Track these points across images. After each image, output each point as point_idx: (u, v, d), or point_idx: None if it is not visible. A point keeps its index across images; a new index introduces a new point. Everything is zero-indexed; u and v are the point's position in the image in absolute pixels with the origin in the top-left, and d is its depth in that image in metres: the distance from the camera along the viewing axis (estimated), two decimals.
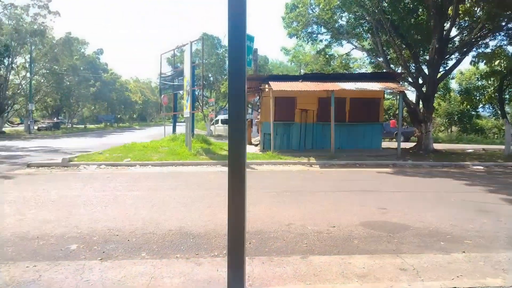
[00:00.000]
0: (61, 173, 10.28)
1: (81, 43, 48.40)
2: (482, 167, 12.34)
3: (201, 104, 34.15)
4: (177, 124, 25.12)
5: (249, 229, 4.88)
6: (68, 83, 45.04)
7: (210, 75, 42.54)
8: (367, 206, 6.36)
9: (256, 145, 18.25)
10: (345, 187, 8.36)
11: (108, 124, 59.49)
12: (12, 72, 35.50)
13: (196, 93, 32.09)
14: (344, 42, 22.63)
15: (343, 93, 14.93)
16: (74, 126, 53.10)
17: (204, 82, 32.30)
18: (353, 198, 7.14)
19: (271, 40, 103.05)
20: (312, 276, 3.51)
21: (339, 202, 6.69)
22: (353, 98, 15.73)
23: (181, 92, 18.25)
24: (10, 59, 33.52)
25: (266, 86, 14.81)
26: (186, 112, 15.48)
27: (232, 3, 1.95)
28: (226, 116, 32.78)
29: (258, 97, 20.09)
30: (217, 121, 33.59)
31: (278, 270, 3.63)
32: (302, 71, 38.21)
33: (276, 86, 14.29)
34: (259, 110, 19.03)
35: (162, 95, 21.09)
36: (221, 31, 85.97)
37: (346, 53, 26.55)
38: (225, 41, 40.72)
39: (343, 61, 26.69)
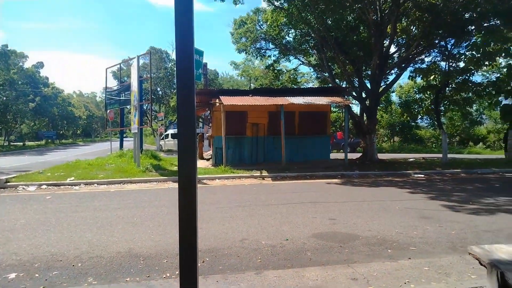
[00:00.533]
0: None
1: (19, 56, 45.67)
2: (422, 175, 13.13)
3: (149, 119, 33.35)
4: (124, 139, 24.26)
5: (202, 247, 4.77)
6: (4, 98, 42.07)
7: (159, 89, 41.81)
8: (318, 217, 6.49)
9: (208, 159, 18.08)
10: (297, 199, 8.48)
11: (49, 140, 56.07)
12: None
13: (144, 107, 31.34)
14: (291, 57, 23.36)
15: (292, 107, 15.30)
16: (12, 143, 49.44)
17: (152, 96, 31.61)
18: (305, 209, 7.25)
19: (221, 55, 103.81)
20: None
21: (291, 215, 6.76)
22: (301, 111, 16.15)
23: (128, 106, 17.70)
24: None
25: (217, 100, 14.80)
26: (134, 127, 15.01)
27: (179, 18, 1.92)
28: (176, 130, 32.24)
29: (208, 111, 20.00)
30: (167, 136, 32.90)
31: None
32: (252, 85, 38.73)
33: (227, 100, 14.32)
34: (210, 124, 18.93)
35: (108, 110, 20.31)
36: (169, 45, 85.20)
37: (293, 68, 27.35)
38: (173, 55, 40.35)
39: (291, 76, 27.46)
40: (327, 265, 4.21)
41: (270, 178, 12.29)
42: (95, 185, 10.99)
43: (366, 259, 4.43)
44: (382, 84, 18.69)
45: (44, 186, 10.60)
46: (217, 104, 14.83)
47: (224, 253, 4.59)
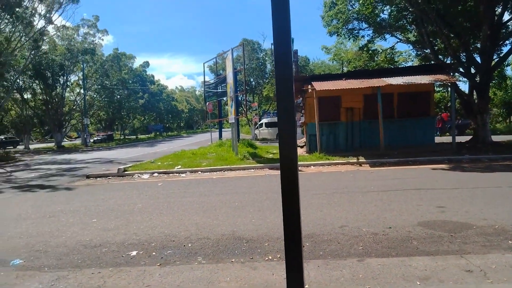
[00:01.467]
0: (117, 182, 10.80)
1: (128, 58, 50.87)
2: None
3: (244, 109, 34.50)
4: (222, 130, 25.57)
5: (302, 232, 4.83)
6: (118, 96, 47.46)
7: (251, 79, 42.91)
8: (423, 205, 6.08)
9: (302, 146, 18.11)
10: (399, 185, 8.04)
11: (157, 133, 61.90)
12: (67, 89, 38.01)
13: (239, 98, 32.52)
14: (387, 36, 21.92)
15: (390, 88, 14.44)
16: (126, 137, 55.72)
17: (246, 87, 32.62)
18: (408, 197, 6.85)
19: (311, 40, 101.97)
20: (371, 279, 3.41)
21: (393, 202, 6.45)
22: (400, 92, 15.16)
23: (224, 98, 18.56)
24: (65, 78, 35.89)
25: (309, 86, 14.67)
26: (231, 117, 15.71)
27: (276, 8, 1.95)
28: (270, 119, 32.88)
29: (301, 99, 19.94)
30: (261, 125, 33.75)
31: (334, 274, 3.56)
32: (345, 69, 37.47)
33: (319, 86, 14.10)
34: (303, 112, 18.88)
35: (207, 103, 21.56)
36: (260, 35, 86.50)
37: (390, 47, 25.64)
38: (264, 45, 40.93)
39: (388, 56, 25.81)
40: (436, 255, 3.94)
41: (367, 164, 11.84)
42: (199, 172, 11.82)
43: (482, 250, 4.04)
44: (494, 58, 16.55)
45: (155, 174, 11.76)
46: (309, 90, 14.70)
47: (324, 239, 4.59)
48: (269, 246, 4.44)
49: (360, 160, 12.37)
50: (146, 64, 58.71)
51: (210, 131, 25.33)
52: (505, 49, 17.23)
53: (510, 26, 16.98)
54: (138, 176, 11.66)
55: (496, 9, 15.23)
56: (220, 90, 18.14)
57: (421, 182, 8.53)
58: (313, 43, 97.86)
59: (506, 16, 16.57)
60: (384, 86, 13.64)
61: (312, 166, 12.04)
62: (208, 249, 4.44)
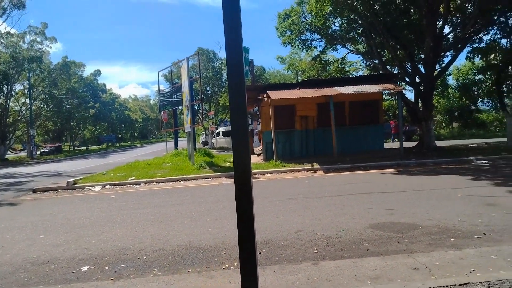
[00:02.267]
0: (67, 196, 10.30)
1: (78, 66, 48.97)
2: (486, 161, 12.32)
3: (201, 118, 34.31)
4: (178, 139, 25.20)
5: (258, 239, 4.87)
6: (67, 106, 45.41)
7: (208, 88, 42.77)
8: (374, 208, 6.35)
9: (259, 154, 18.27)
10: (351, 190, 8.35)
11: (110, 144, 59.72)
12: (12, 99, 35.77)
13: (196, 107, 32.29)
14: (338, 47, 22.80)
15: (342, 97, 14.99)
16: (76, 148, 53.28)
17: (202, 95, 32.45)
18: (360, 200, 7.12)
19: (267, 50, 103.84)
20: (325, 281, 3.51)
21: (346, 206, 6.68)
22: (352, 101, 15.79)
23: (180, 107, 18.37)
24: (9, 87, 33.78)
25: (265, 95, 14.89)
26: (187, 126, 15.55)
27: (227, 17, 1.99)
28: (227, 128, 32.88)
29: (257, 107, 20.17)
30: (218, 134, 33.66)
31: (290, 278, 3.63)
32: (299, 78, 38.39)
33: (275, 95, 14.36)
34: (259, 120, 19.08)
35: (162, 112, 21.20)
36: (215, 45, 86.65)
37: (341, 58, 26.69)
38: (220, 54, 41.06)
39: (339, 66, 26.81)
40: (386, 255, 4.13)
41: (322, 171, 12.18)
42: (154, 183, 11.56)
43: (427, 248, 4.29)
44: (437, 68, 17.73)
45: (108, 186, 11.34)
46: (265, 99, 14.92)
47: (280, 245, 4.66)
48: (226, 254, 4.43)
49: (314, 167, 12.69)
50: (98, 72, 56.76)
51: (165, 141, 24.87)
52: (446, 60, 18.52)
53: (450, 39, 18.26)
54: (89, 188, 11.20)
55: (437, 23, 16.35)
56: (175, 99, 17.92)
57: (371, 186, 8.90)
58: (269, 53, 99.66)
59: (446, 29, 17.87)
60: (336, 95, 14.14)
61: (268, 174, 12.18)
62: (163, 260, 4.35)
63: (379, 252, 4.24)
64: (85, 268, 4.23)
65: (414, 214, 5.80)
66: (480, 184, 8.31)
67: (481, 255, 3.99)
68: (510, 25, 16.15)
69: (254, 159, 16.70)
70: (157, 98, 25.86)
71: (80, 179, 12.60)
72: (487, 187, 7.87)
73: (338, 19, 20.16)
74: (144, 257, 4.49)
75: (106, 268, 4.21)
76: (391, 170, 11.54)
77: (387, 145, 20.10)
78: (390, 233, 4.92)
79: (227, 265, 4.07)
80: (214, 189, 10.00)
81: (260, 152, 18.09)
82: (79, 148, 54.25)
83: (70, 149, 50.34)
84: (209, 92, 42.62)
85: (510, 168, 10.78)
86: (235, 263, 4.08)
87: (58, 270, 4.23)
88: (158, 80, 21.13)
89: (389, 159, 13.38)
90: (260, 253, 4.38)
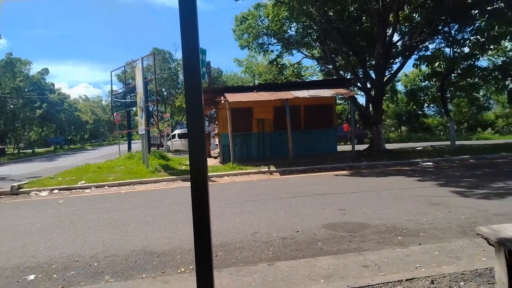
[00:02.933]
0: (11, 201, 9.67)
1: (24, 64, 46.15)
2: (431, 163, 13.09)
3: (156, 120, 33.56)
4: (132, 142, 24.48)
5: (214, 241, 4.86)
6: (11, 106, 42.60)
7: (163, 89, 42.01)
8: (327, 209, 6.55)
9: (216, 157, 18.20)
10: (306, 192, 8.54)
11: (58, 146, 56.65)
12: None
13: (150, 108, 31.57)
14: (294, 51, 23.32)
15: (297, 101, 15.31)
16: (21, 151, 50.04)
17: (158, 97, 31.80)
18: (314, 202, 7.31)
19: (224, 52, 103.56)
20: (280, 281, 3.57)
21: (301, 207, 6.83)
22: (307, 105, 16.17)
23: (134, 109, 17.88)
24: None
25: (222, 98, 14.87)
26: (141, 128, 15.15)
27: (184, 18, 1.98)
28: (183, 130, 32.41)
29: (214, 110, 20.09)
30: (174, 136, 33.09)
31: (246, 280, 3.65)
32: (257, 81, 38.75)
33: (232, 97, 14.39)
34: (216, 123, 19.02)
35: (115, 113, 20.50)
36: (172, 45, 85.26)
37: (297, 62, 27.34)
38: (177, 55, 40.47)
39: (295, 70, 27.39)
40: (338, 254, 4.27)
41: (278, 173, 12.35)
42: (106, 187, 11.15)
43: (377, 246, 4.49)
44: (386, 74, 18.62)
45: (56, 191, 10.78)
46: (222, 101, 14.90)
47: (236, 247, 4.68)
48: (181, 258, 4.38)
49: (271, 169, 12.85)
50: (45, 71, 53.74)
51: (118, 143, 24.07)
52: (395, 67, 19.51)
53: (399, 46, 19.25)
54: (36, 193, 10.58)
55: (387, 31, 17.18)
56: (129, 100, 17.41)
57: (325, 187, 9.16)
58: (226, 56, 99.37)
59: (396, 37, 18.83)
60: (292, 98, 14.43)
61: (226, 176, 12.16)
62: (116, 266, 4.22)
63: (332, 251, 4.37)
64: (32, 277, 4.00)
65: (364, 214, 6.05)
66: (426, 185, 8.82)
67: (425, 252, 4.23)
68: (453, 35, 17.30)
69: (211, 162, 16.61)
70: (110, 99, 24.99)
71: (25, 183, 11.87)
72: (432, 188, 8.37)
73: (294, 24, 20.63)
74: (96, 264, 4.33)
75: (55, 276, 4.01)
76: (344, 172, 11.95)
77: (340, 147, 20.78)
78: (342, 232, 5.10)
79: (182, 269, 4.02)
80: (170, 192, 9.83)
81: (217, 154, 18.02)
82: (25, 151, 50.95)
83: (15, 152, 47.22)
84: (165, 93, 41.88)
85: (452, 169, 11.52)
86: (191, 267, 4.04)
87: (1, 280, 3.97)
88: (111, 80, 20.40)
89: (342, 161, 13.85)
90: (216, 256, 4.37)
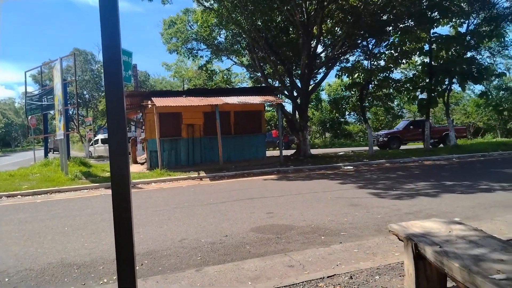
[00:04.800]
0: None
1: None
2: (351, 167, 13.98)
3: (76, 124, 31.49)
4: (49, 147, 22.65)
5: (140, 250, 4.70)
6: None
7: (85, 92, 39.68)
8: (256, 212, 6.68)
9: (143, 163, 17.57)
10: (235, 196, 8.62)
11: None
12: None
13: (70, 112, 29.58)
14: (224, 58, 23.47)
15: (227, 107, 15.42)
16: None
17: (79, 100, 29.92)
18: (243, 206, 7.40)
19: (152, 56, 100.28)
20: (208, 286, 3.57)
21: (230, 212, 6.87)
22: (236, 111, 16.34)
23: (52, 112, 16.61)
24: None
25: (149, 102, 14.44)
26: (60, 133, 14.11)
27: (104, 17, 1.92)
28: (106, 136, 30.78)
29: (141, 114, 19.41)
30: (96, 141, 31.29)
31: (173, 287, 3.59)
32: (186, 86, 38.25)
33: (160, 102, 14.04)
34: (143, 128, 18.40)
35: (29, 117, 18.85)
36: (94, 46, 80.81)
37: (227, 69, 27.54)
38: (99, 56, 38.54)
39: (225, 76, 27.63)
40: (265, 255, 4.38)
41: (208, 179, 12.30)
42: (19, 196, 10.19)
43: (302, 247, 4.69)
44: (311, 83, 19.51)
45: None
46: (149, 106, 14.47)
47: (163, 254, 4.57)
48: (104, 269, 4.16)
49: (200, 175, 12.75)
50: None
51: (33, 149, 22.12)
52: (319, 76, 20.55)
53: (323, 57, 20.31)
54: None
55: (312, 42, 18.05)
56: (46, 103, 16.12)
57: (254, 192, 9.33)
58: (154, 59, 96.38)
59: (320, 49, 19.86)
60: (222, 104, 14.49)
61: (153, 183, 11.80)
62: (30, 281, 3.88)
63: (259, 253, 4.47)
64: None
65: (290, 216, 6.28)
66: (347, 187, 9.40)
67: (346, 250, 4.52)
68: (370, 49, 18.74)
69: (137, 168, 15.99)
70: (24, 101, 22.91)
71: None
72: (352, 190, 8.95)
73: (224, 31, 20.79)
74: (7, 279, 3.94)
75: None
76: (272, 176, 12.27)
77: (270, 153, 21.31)
78: (269, 235, 5.24)
79: (105, 280, 3.83)
80: (91, 201, 9.27)
81: (144, 160, 17.42)
82: None
83: None
84: (87, 96, 39.56)
85: (370, 172, 12.41)
86: (114, 277, 3.86)
87: None
88: (25, 81, 18.70)
89: (270, 166, 14.21)
90: (142, 264, 4.23)
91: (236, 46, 21.11)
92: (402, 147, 23.27)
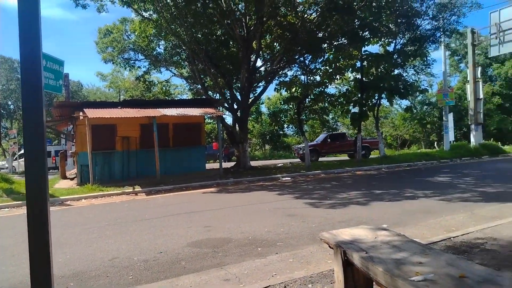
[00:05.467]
0: None
1: None
2: (289, 178, 14.30)
3: None
4: None
5: (66, 272, 4.38)
6: None
7: (10, 102, 36.67)
8: (193, 227, 6.54)
9: (72, 178, 16.49)
10: (172, 211, 8.38)
11: None
12: None
13: None
14: (163, 69, 23.00)
15: (166, 119, 15.07)
16: None
17: (2, 111, 27.54)
18: (180, 220, 7.22)
19: (86, 65, 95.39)
20: None
21: (166, 227, 6.66)
22: (175, 123, 16.03)
23: None
24: None
25: (81, 113, 13.66)
26: None
27: (24, 21, 1.79)
28: None
29: (71, 126, 18.31)
30: (21, 156, 28.84)
31: None
32: (122, 97, 36.85)
33: (92, 113, 13.35)
34: (74, 140, 17.36)
35: None
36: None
37: (166, 80, 27.00)
38: None
39: (164, 88, 27.03)
40: (201, 270, 4.29)
41: (143, 193, 11.85)
42: None
43: (238, 259, 4.66)
44: (251, 96, 19.79)
45: None
46: (81, 117, 13.70)
47: (92, 275, 4.29)
48: None
49: (136, 190, 12.25)
50: None
51: None
52: (259, 90, 20.91)
53: (262, 71, 20.71)
54: None
55: (251, 56, 18.35)
56: None
57: (192, 205, 9.16)
58: (89, 69, 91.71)
59: (259, 63, 20.24)
60: (160, 116, 14.14)
61: (83, 199, 11.11)
62: None
63: (195, 268, 4.37)
64: None
65: (228, 229, 6.23)
66: (284, 198, 9.58)
67: (281, 260, 4.57)
68: (307, 64, 19.51)
69: (66, 183, 14.97)
70: None
71: None
72: (289, 200, 9.14)
73: (163, 42, 20.44)
74: None
75: None
76: (211, 189, 12.15)
77: (210, 165, 21.16)
78: (206, 249, 5.15)
79: None
80: (13, 220, 8.49)
81: (74, 175, 16.37)
82: None
83: None
84: (12, 106, 36.58)
85: (307, 183, 12.76)
86: None
87: None
88: None
89: (210, 179, 14.06)
90: (67, 287, 3.93)
91: (175, 58, 20.82)
92: (331, 158, 24.36)
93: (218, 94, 20.66)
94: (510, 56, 37.61)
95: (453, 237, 5.06)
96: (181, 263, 4.59)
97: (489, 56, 29.74)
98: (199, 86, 20.56)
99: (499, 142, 29.10)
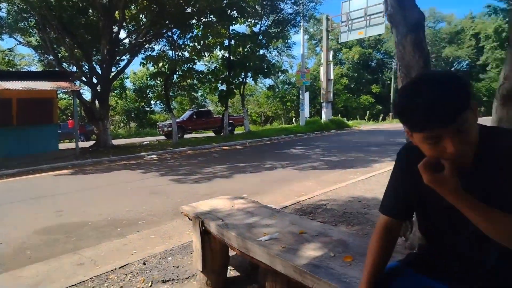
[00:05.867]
0: None
1: None
2: (155, 156, 13.98)
3: None
4: None
5: None
6: None
7: None
8: (42, 213, 5.92)
9: None
10: (16, 197, 7.38)
11: None
12: None
13: None
14: (5, 36, 19.49)
15: (8, 93, 12.98)
16: None
17: None
18: (26, 208, 6.43)
19: None
20: None
21: (7, 216, 5.87)
22: (21, 98, 13.92)
23: None
24: None
25: None
26: None
27: None
28: None
29: None
30: None
31: None
32: None
33: None
34: None
35: None
36: None
37: (9, 49, 23.11)
38: None
39: (6, 57, 23.12)
40: (50, 258, 3.96)
41: None
42: None
43: (95, 242, 4.44)
44: (113, 70, 18.42)
45: None
46: None
47: None
48: None
49: None
50: None
51: None
52: (122, 63, 19.54)
53: (127, 44, 19.36)
54: None
55: (114, 27, 16.95)
56: None
57: (41, 190, 8.20)
58: None
59: (123, 35, 18.86)
60: (1, 90, 12.13)
61: None
62: None
63: (43, 257, 4.01)
64: None
65: (84, 212, 5.84)
66: (148, 176, 9.36)
67: (142, 238, 4.53)
68: (175, 39, 19.04)
69: None
70: None
71: None
72: (154, 178, 8.98)
73: (6, 4, 17.23)
74: None
75: None
76: (65, 171, 11.06)
77: (65, 145, 19.22)
78: (57, 235, 4.75)
79: None
80: None
81: None
82: None
83: None
84: None
85: (173, 160, 12.62)
86: None
87: None
88: None
89: (63, 160, 12.74)
90: None
91: (22, 24, 17.76)
92: (199, 135, 24.75)
93: (74, 67, 18.61)
94: (357, 42, 43.51)
95: (302, 201, 5.76)
96: (26, 253, 4.15)
97: (339, 42, 33.66)
98: (51, 57, 18.17)
99: (345, 118, 33.86)
